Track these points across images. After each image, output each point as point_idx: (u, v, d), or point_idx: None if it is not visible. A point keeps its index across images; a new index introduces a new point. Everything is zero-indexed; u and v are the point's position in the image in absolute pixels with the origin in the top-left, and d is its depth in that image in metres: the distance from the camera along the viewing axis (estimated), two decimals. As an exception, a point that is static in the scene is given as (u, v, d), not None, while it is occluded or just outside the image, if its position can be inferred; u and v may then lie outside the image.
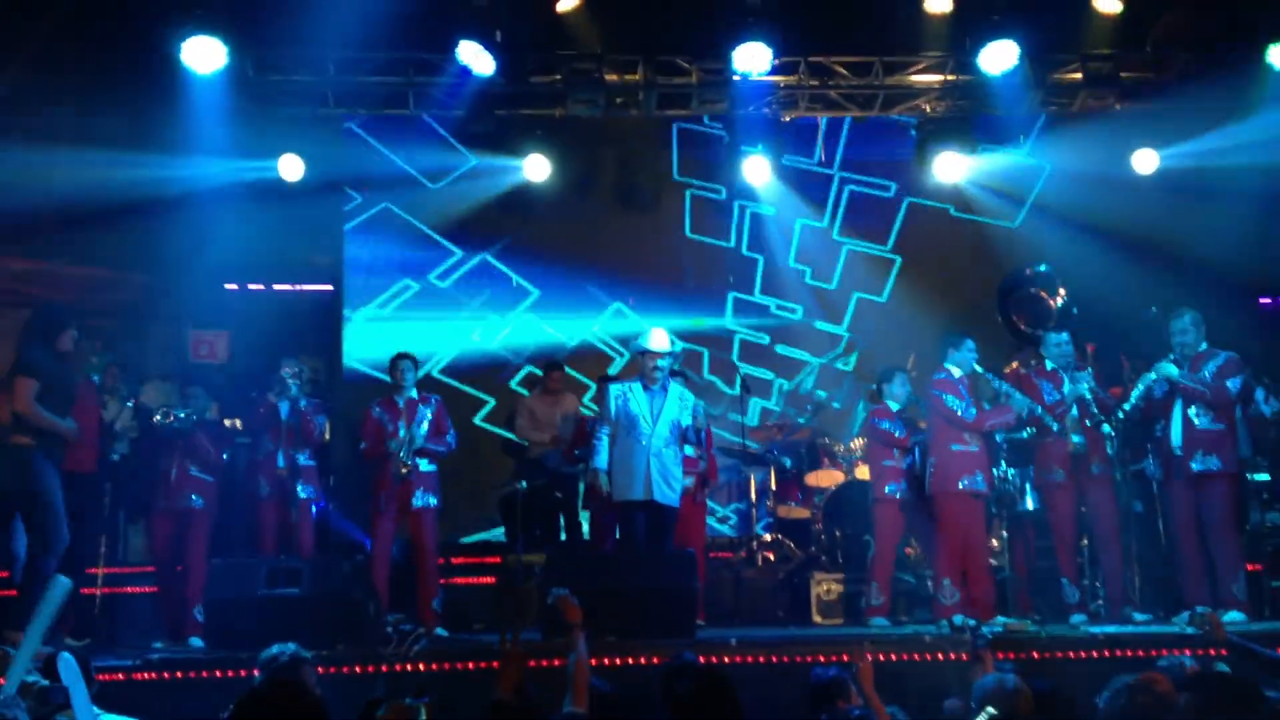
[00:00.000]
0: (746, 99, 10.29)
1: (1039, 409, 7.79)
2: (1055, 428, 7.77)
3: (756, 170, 10.92)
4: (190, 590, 7.73)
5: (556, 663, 6.07)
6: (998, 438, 8.31)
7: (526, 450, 9.61)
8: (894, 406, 8.20)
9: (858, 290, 11.50)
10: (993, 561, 8.20)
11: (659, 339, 7.93)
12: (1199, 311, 7.70)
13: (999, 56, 9.26)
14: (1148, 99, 10.14)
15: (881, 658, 6.78)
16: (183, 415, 7.92)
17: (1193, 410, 7.49)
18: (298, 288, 11.36)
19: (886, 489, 8.05)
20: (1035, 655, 6.38)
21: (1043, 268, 9.18)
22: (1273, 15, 9.06)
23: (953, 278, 11.20)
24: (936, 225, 11.51)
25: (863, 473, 9.29)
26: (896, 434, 8.08)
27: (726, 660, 6.42)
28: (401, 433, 7.85)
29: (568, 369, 10.27)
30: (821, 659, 6.13)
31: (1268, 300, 11.72)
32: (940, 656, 6.52)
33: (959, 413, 7.69)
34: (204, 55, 8.93)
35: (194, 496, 7.97)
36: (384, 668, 6.22)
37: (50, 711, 4.32)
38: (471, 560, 9.32)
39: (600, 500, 8.22)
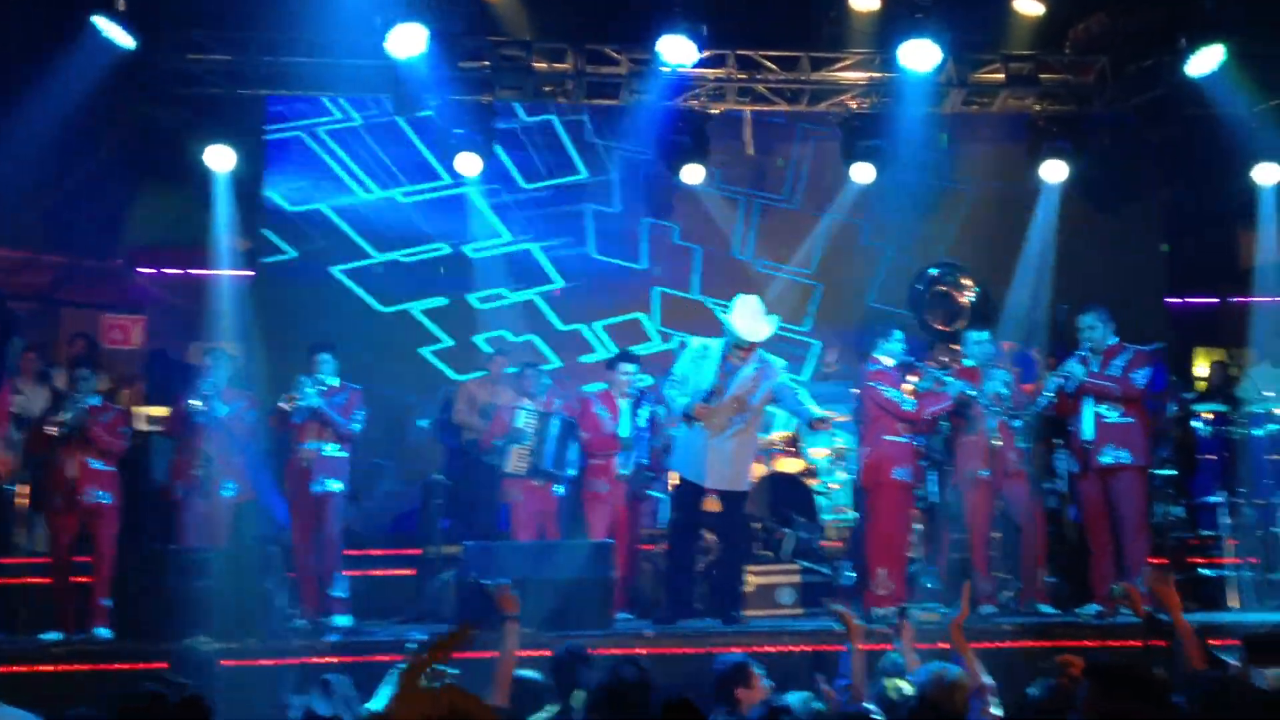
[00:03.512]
0: (674, 91, 10.30)
1: (972, 390, 7.73)
2: (996, 421, 7.75)
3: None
4: (97, 579, 7.47)
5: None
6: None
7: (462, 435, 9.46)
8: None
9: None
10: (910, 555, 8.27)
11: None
12: (1105, 308, 7.83)
13: (921, 54, 9.31)
14: (1066, 101, 10.30)
15: (798, 649, 6.87)
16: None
17: (1103, 406, 7.63)
18: (216, 273, 11.12)
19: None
20: (944, 645, 6.46)
21: (946, 264, 9.26)
22: (1188, 21, 9.20)
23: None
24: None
25: (782, 465, 9.35)
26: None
27: (642, 651, 6.42)
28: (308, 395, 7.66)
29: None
30: (735, 650, 6.16)
31: (1175, 300, 12.01)
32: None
33: (899, 403, 7.68)
34: (119, 35, 8.70)
35: (99, 492, 7.48)
36: (292, 660, 6.13)
37: None
38: (389, 552, 9.20)
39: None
